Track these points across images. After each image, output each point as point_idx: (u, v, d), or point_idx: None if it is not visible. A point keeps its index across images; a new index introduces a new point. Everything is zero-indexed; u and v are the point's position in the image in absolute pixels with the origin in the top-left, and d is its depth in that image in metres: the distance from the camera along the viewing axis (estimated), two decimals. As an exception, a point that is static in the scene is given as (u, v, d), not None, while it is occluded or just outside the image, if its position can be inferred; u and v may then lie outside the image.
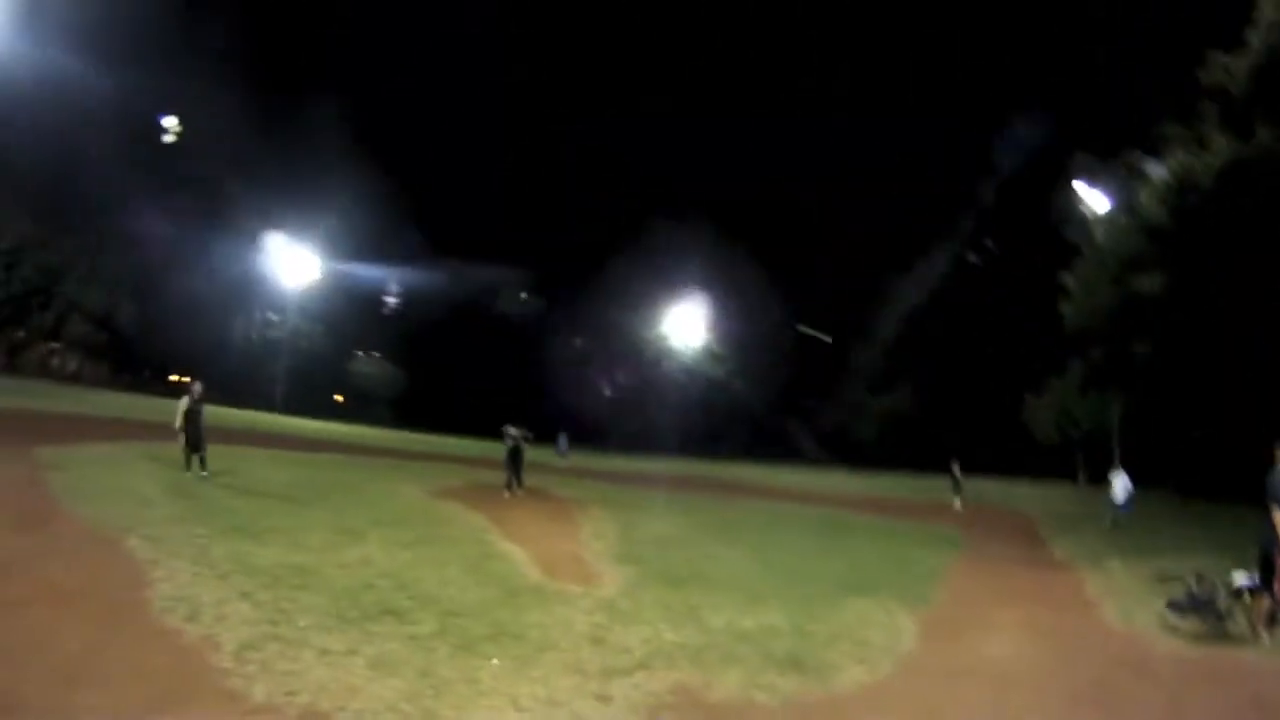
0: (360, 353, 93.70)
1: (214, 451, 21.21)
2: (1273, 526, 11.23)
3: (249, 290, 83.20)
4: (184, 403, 20.71)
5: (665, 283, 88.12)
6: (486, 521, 18.80)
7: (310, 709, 6.96)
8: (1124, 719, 8.42)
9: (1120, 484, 27.73)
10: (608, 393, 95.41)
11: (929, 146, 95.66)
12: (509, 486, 25.12)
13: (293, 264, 79.80)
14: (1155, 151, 35.82)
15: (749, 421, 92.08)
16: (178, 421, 20.39)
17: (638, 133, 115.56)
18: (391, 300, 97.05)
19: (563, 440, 49.24)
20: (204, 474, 19.83)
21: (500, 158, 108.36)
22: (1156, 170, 36.13)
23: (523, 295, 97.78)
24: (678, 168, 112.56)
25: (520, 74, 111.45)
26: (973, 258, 73.51)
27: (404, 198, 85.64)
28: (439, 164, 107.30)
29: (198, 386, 21.34)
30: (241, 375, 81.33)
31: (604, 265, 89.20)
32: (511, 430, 25.73)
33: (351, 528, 15.59)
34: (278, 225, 77.65)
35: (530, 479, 26.43)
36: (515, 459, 25.47)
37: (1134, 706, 8.83)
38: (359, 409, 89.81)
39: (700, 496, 32.24)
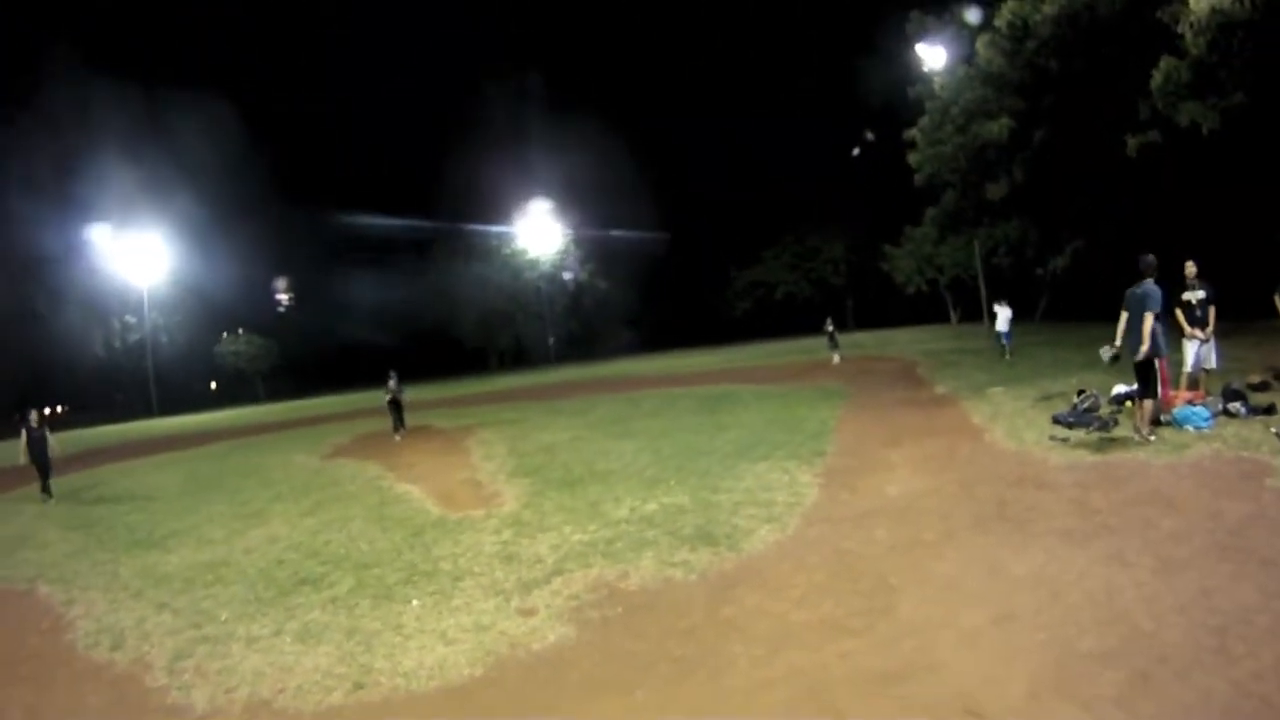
0: (226, 333, 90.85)
1: (100, 472, 21.87)
2: (1147, 334, 11.61)
3: (98, 300, 79.76)
4: (23, 436, 20.53)
5: (513, 191, 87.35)
6: (380, 469, 18.84)
7: (252, 701, 6.87)
8: (1032, 530, 8.50)
9: (1003, 315, 28.76)
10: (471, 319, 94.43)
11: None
12: (396, 430, 25.48)
13: (139, 261, 76.53)
14: (991, 6, 36.29)
15: (621, 317, 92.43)
16: (21, 458, 20.41)
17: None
18: (281, 298, 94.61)
19: (393, 380, 49.08)
20: (48, 499, 19.95)
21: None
22: (983, 18, 36.72)
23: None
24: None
25: None
26: (855, 151, 73.84)
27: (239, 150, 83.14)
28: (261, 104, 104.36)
29: (34, 415, 20.88)
30: (112, 387, 78.94)
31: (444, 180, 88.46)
32: (390, 381, 26.01)
33: (251, 510, 15.48)
34: (115, 221, 74.29)
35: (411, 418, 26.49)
36: (396, 405, 25.89)
37: (1040, 517, 8.96)
38: (236, 390, 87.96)
39: (583, 399, 32.20)
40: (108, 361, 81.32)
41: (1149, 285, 11.72)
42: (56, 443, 21.04)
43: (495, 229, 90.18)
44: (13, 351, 73.75)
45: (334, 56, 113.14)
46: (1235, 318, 19.19)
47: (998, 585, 7.20)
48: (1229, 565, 7.00)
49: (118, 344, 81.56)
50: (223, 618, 8.92)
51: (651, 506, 11.48)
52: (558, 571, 9.04)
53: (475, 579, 9.17)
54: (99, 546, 13.83)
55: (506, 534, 10.97)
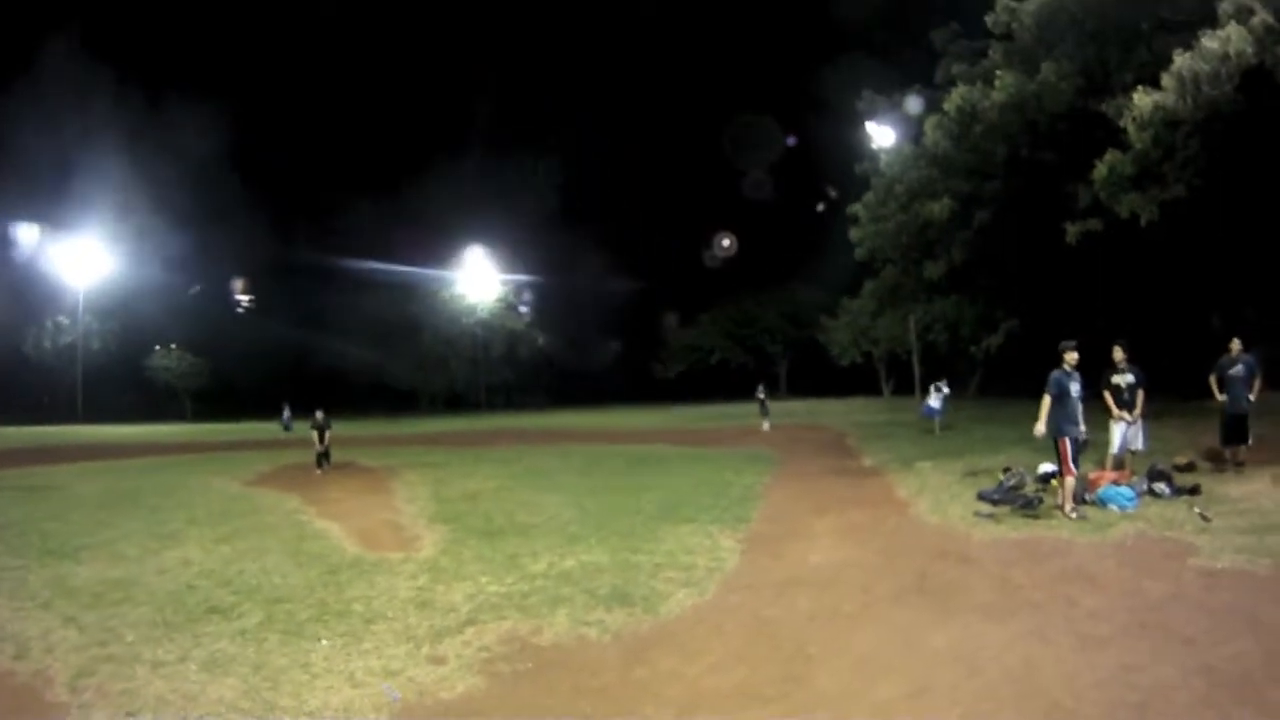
0: (159, 347, 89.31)
1: (17, 475, 21.05)
2: (1042, 416, 12.28)
3: (33, 297, 78.07)
4: None
5: (452, 237, 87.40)
6: (301, 502, 18.32)
7: (153, 726, 6.56)
8: (952, 605, 8.43)
9: (936, 394, 29.04)
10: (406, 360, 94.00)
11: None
12: (319, 464, 24.94)
13: (77, 262, 75.21)
14: (941, 89, 37.10)
15: (555, 369, 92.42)
16: None
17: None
18: (194, 290, 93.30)
19: (285, 413, 50.53)
20: None
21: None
22: (928, 104, 37.48)
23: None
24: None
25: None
26: (820, 208, 74.85)
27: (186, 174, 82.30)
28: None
29: None
30: (38, 388, 77.16)
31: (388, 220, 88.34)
32: (317, 414, 25.46)
33: (167, 531, 14.98)
34: (58, 222, 73.04)
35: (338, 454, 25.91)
36: (321, 439, 25.25)
37: (960, 591, 8.91)
38: (164, 406, 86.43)
39: (511, 448, 31.91)
40: (36, 361, 79.46)
41: (1055, 372, 12.33)
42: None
43: (435, 272, 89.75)
44: None
45: (291, 78, 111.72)
46: (1165, 399, 19.49)
47: (915, 659, 7.08)
48: (1149, 643, 6.99)
49: (48, 344, 79.79)
50: (129, 639, 8.59)
51: (570, 563, 11.27)
52: (471, 621, 8.84)
53: (388, 623, 8.94)
54: (9, 550, 13.44)
55: (423, 579, 10.73)
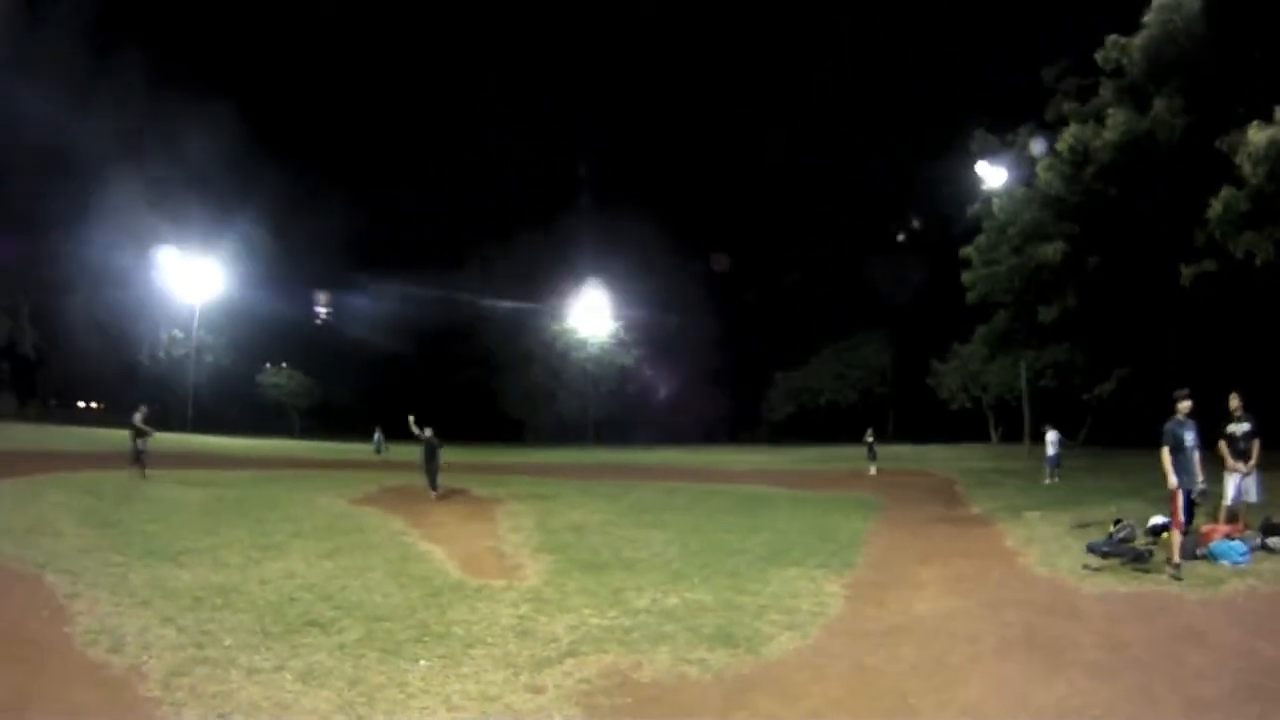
0: (269, 365, 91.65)
1: (122, 476, 22.22)
2: (1166, 469, 11.87)
3: (151, 309, 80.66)
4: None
5: (568, 272, 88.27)
6: (405, 524, 18.55)
7: (245, 732, 6.73)
8: (1059, 660, 8.31)
9: (1052, 440, 28.75)
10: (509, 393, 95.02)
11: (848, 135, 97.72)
12: (433, 486, 24.56)
13: (194, 279, 77.60)
14: (1053, 130, 36.71)
15: (663, 406, 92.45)
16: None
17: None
18: (321, 311, 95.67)
19: (378, 435, 52.77)
20: None
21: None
22: (1047, 145, 37.01)
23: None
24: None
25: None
26: (900, 236, 74.66)
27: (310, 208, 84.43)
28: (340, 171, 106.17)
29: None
30: (149, 396, 79.54)
31: (504, 256, 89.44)
32: (425, 431, 25.12)
33: (271, 542, 15.30)
34: (176, 239, 75.39)
35: (435, 480, 25.30)
36: (432, 460, 24.90)
37: (1068, 648, 8.76)
38: (271, 422, 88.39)
39: (617, 483, 31.98)
40: (150, 371, 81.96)
41: (1169, 422, 12.04)
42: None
43: (545, 305, 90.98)
44: (67, 348, 75.91)
45: (401, 104, 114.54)
46: None
47: (1020, 714, 7.03)
48: (1259, 705, 6.85)
49: (162, 355, 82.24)
50: (226, 643, 8.80)
51: (674, 600, 11.28)
52: (572, 653, 8.85)
53: (487, 648, 9.01)
54: (112, 548, 13.83)
55: (525, 608, 10.79)
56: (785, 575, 12.99)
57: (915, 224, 71.14)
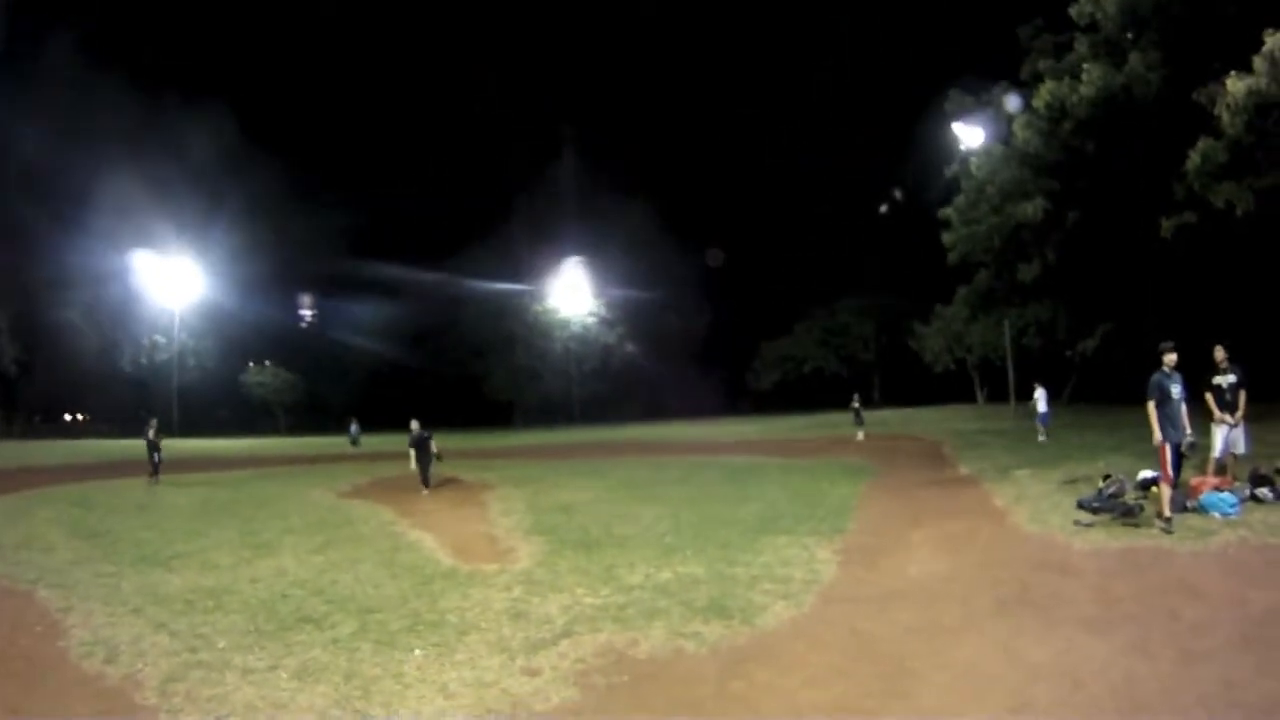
0: (252, 364, 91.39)
1: (110, 485, 22.19)
2: (1165, 420, 11.90)
3: (132, 314, 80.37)
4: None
5: (549, 251, 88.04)
6: (394, 514, 18.61)
7: (243, 733, 6.74)
8: (1054, 617, 8.35)
9: (1041, 397, 29.00)
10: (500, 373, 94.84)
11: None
12: (425, 483, 23.87)
13: (174, 282, 77.10)
14: (1029, 88, 36.60)
15: (648, 381, 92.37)
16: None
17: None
18: (305, 309, 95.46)
19: (353, 427, 53.23)
20: None
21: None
22: (1023, 103, 36.88)
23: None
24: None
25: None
26: (883, 208, 74.63)
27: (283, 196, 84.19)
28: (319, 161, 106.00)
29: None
30: (133, 402, 79.16)
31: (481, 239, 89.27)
32: (413, 425, 24.50)
33: (261, 541, 15.39)
34: (154, 243, 74.81)
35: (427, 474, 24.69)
36: (424, 453, 24.30)
37: (1061, 603, 8.81)
38: (258, 420, 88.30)
39: (606, 461, 32.12)
40: (134, 377, 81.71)
41: (1155, 374, 12.02)
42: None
43: (526, 286, 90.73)
44: (48, 360, 76.33)
45: (382, 98, 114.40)
46: (1269, 399, 19.00)
47: (1017, 673, 7.03)
48: (1253, 656, 6.88)
49: (145, 361, 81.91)
50: (220, 645, 8.82)
51: (666, 575, 11.29)
52: (566, 633, 8.87)
53: (481, 634, 9.01)
54: (103, 558, 13.91)
55: (517, 591, 10.80)
56: (777, 544, 13.01)
57: (897, 194, 70.82)
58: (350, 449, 47.21)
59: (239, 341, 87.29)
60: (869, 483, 20.80)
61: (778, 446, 34.49)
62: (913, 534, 13.45)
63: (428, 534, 15.71)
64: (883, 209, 74.29)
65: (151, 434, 28.49)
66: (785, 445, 35.04)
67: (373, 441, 50.02)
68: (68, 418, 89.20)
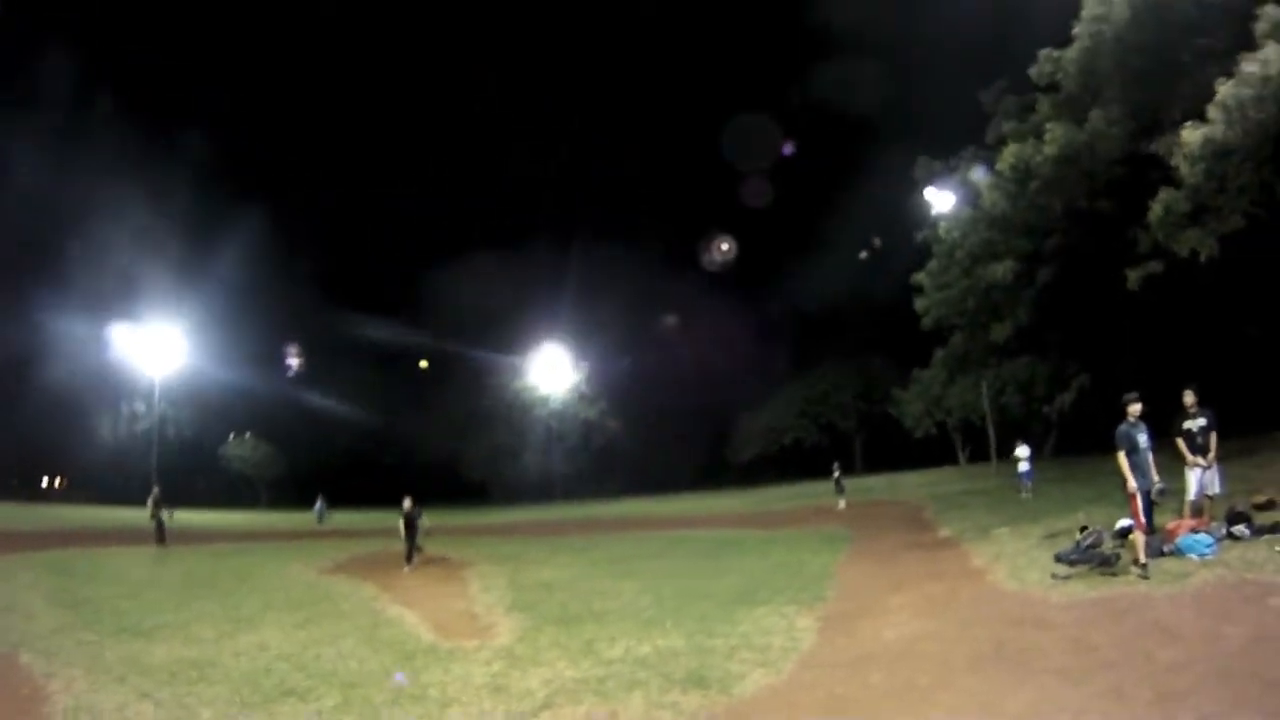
0: (233, 435, 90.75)
1: (90, 554, 22.79)
2: (1134, 469, 12.03)
3: (112, 382, 79.58)
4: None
5: (526, 331, 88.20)
6: (376, 590, 18.57)
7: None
8: (1029, 670, 8.31)
9: (1024, 455, 29.52)
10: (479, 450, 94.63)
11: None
12: (408, 559, 23.64)
13: (154, 350, 76.19)
14: (994, 151, 37.09)
15: (629, 456, 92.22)
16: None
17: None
18: (292, 364, 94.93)
19: (319, 503, 53.27)
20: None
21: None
22: (989, 166, 37.37)
23: (422, 363, 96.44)
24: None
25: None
26: (863, 254, 75.28)
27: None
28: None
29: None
30: (114, 472, 78.56)
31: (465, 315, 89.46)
32: (405, 503, 24.41)
33: (244, 615, 15.39)
34: (135, 310, 74.19)
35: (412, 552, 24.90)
36: (411, 529, 24.11)
37: (1036, 656, 8.76)
38: (239, 493, 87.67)
39: (586, 537, 31.92)
40: (114, 446, 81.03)
41: (1121, 425, 12.27)
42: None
43: (507, 357, 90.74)
44: (26, 424, 74.76)
45: (359, 171, 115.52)
46: (1243, 438, 19.15)
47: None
48: (1231, 691, 6.87)
49: (124, 431, 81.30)
50: (204, 716, 8.84)
51: (646, 648, 11.23)
52: (547, 705, 8.87)
53: (463, 707, 9.02)
54: (86, 626, 13.85)
55: (498, 666, 10.78)
56: (756, 614, 12.93)
57: (876, 242, 71.56)
58: (317, 526, 46.99)
59: (220, 411, 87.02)
60: (849, 550, 20.73)
61: (759, 518, 34.39)
62: (892, 598, 13.37)
63: (409, 610, 15.71)
64: (863, 255, 74.92)
65: (151, 501, 30.34)
66: (766, 517, 34.92)
67: (348, 519, 50.41)
68: (45, 483, 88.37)
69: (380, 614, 15.49)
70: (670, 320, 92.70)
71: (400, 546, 23.95)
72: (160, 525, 29.84)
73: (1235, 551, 11.75)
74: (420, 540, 24.33)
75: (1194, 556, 11.78)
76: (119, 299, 73.22)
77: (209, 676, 10.49)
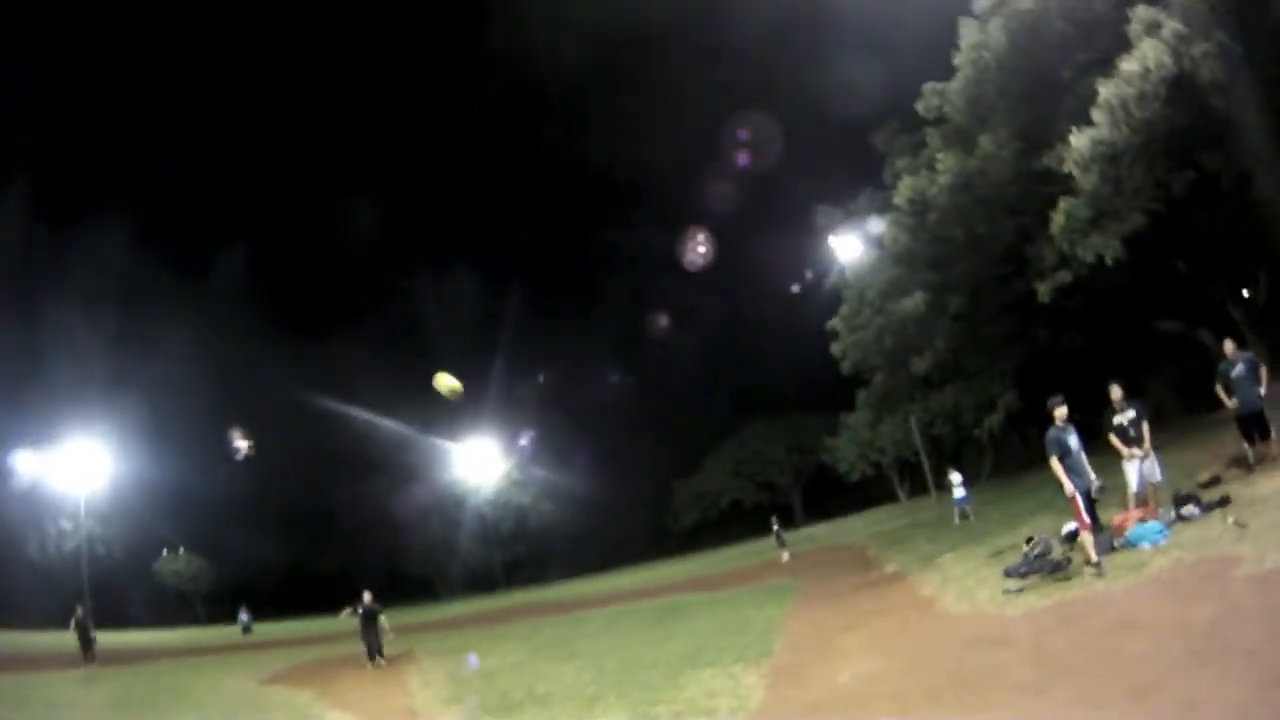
0: (166, 551, 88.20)
1: (23, 682, 22.46)
2: (1070, 472, 12.09)
3: (33, 502, 77.22)
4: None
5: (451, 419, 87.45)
6: (313, 696, 18.06)
7: None
8: (991, 689, 7.82)
9: (956, 481, 29.38)
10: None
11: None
12: (371, 657, 22.58)
13: (80, 467, 73.85)
14: (890, 189, 37.40)
15: (569, 537, 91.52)
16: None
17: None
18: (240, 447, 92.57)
19: (243, 614, 53.60)
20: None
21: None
22: (887, 205, 37.70)
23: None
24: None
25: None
26: (795, 289, 75.44)
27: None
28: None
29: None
30: (43, 595, 76.24)
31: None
32: (365, 597, 23.32)
33: None
34: (58, 428, 72.17)
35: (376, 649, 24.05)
36: (371, 626, 23.04)
37: (997, 675, 8.28)
38: (176, 608, 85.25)
39: (529, 622, 31.15)
40: (43, 567, 78.38)
41: (1050, 431, 12.36)
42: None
43: (438, 446, 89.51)
44: None
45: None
46: (1179, 425, 19.16)
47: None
48: (1210, 669, 6.48)
49: (53, 550, 78.68)
50: None
51: (584, 728, 10.45)
52: None
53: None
54: None
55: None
56: (702, 677, 12.30)
57: (808, 275, 71.79)
58: (241, 637, 46.17)
59: (151, 526, 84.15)
60: (795, 599, 20.30)
61: (702, 582, 33.90)
62: (842, 640, 12.84)
63: (346, 713, 15.32)
64: (795, 289, 74.99)
65: (74, 623, 29.98)
66: (710, 579, 34.44)
67: (287, 628, 49.76)
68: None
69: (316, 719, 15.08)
70: (596, 392, 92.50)
71: (350, 648, 23.44)
72: (88, 641, 29.16)
73: (1188, 533, 11.62)
74: (382, 639, 23.25)
75: (1146, 545, 11.64)
76: (33, 419, 71.45)
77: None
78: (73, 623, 30.33)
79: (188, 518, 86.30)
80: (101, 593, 73.80)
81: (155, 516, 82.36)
